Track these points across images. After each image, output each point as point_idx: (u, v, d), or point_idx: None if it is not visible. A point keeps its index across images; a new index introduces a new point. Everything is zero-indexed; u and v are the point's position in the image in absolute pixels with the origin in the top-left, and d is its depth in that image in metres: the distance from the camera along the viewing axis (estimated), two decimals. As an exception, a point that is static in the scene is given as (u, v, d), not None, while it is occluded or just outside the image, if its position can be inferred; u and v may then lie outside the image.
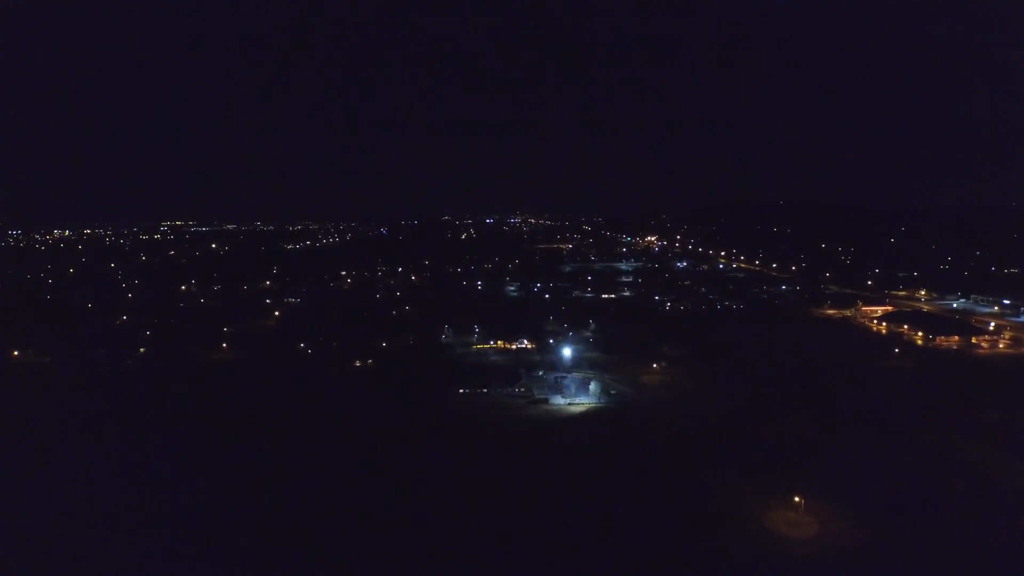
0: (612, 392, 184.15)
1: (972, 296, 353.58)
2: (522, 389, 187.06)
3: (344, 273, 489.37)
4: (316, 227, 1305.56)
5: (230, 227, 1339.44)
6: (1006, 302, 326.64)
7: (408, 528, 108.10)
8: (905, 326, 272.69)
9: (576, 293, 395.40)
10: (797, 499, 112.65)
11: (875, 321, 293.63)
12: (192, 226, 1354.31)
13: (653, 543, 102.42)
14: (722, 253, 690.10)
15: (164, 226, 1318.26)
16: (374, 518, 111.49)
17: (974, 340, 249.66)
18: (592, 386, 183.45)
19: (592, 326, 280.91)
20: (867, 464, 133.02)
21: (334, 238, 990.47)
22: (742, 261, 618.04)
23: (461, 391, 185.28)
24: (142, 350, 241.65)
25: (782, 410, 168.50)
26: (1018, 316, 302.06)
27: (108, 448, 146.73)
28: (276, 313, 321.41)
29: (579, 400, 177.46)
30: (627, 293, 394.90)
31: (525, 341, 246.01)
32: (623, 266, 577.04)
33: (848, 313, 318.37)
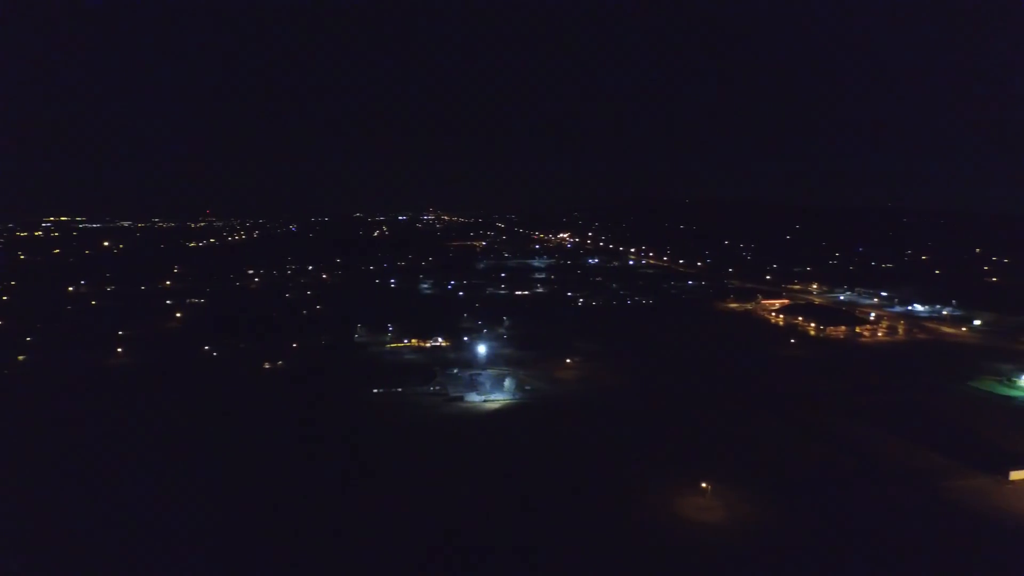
0: (527, 388, 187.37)
1: (856, 289, 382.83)
2: (437, 387, 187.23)
3: (251, 272, 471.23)
4: (220, 224, 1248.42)
5: (124, 224, 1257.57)
6: (884, 294, 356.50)
7: (323, 531, 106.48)
8: (800, 318, 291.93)
9: (490, 290, 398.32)
10: (705, 485, 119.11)
11: (773, 313, 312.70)
12: (80, 222, 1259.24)
13: (567, 532, 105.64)
14: (632, 250, 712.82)
15: (47, 222, 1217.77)
16: (285, 525, 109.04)
17: (858, 330, 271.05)
18: (507, 382, 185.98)
19: (506, 322, 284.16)
20: (768, 448, 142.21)
21: (240, 235, 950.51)
22: (651, 257, 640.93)
23: (375, 391, 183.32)
24: (21, 357, 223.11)
25: (690, 400, 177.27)
26: (893, 307, 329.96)
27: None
28: (178, 314, 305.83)
29: (494, 397, 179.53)
30: (541, 289, 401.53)
31: (440, 339, 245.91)
32: (536, 263, 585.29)
33: (749, 306, 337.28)
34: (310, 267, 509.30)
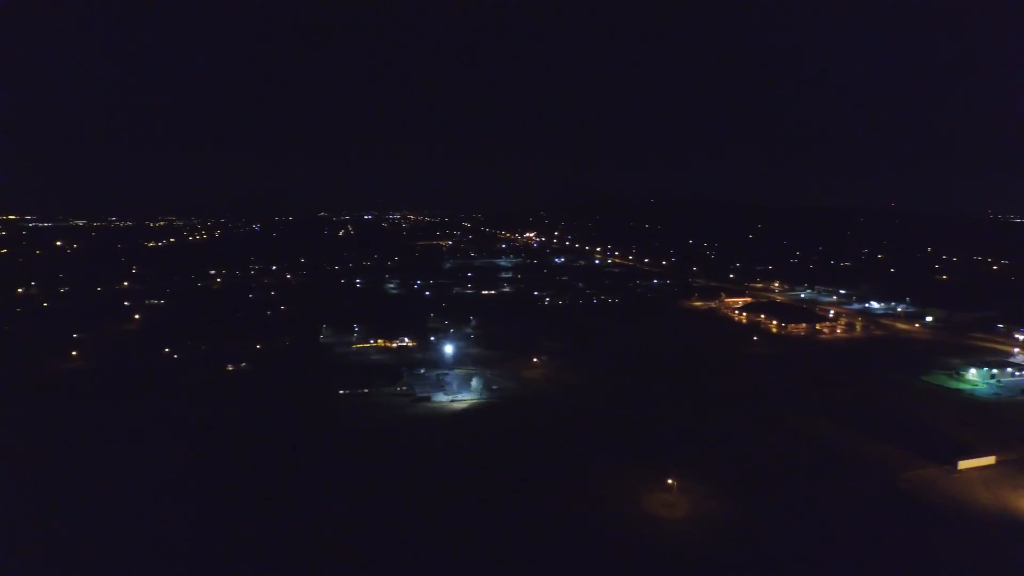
0: (494, 387, 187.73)
1: (816, 287, 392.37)
2: (404, 388, 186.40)
3: (213, 272, 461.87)
4: (181, 223, 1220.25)
5: (78, 223, 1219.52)
6: (842, 292, 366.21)
7: (287, 534, 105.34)
8: (762, 315, 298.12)
9: (457, 289, 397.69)
10: (671, 481, 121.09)
11: (737, 311, 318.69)
12: (30, 221, 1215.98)
13: (535, 530, 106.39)
14: (598, 249, 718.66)
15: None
16: (253, 528, 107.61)
17: (818, 327, 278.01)
18: (474, 382, 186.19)
19: (473, 322, 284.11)
20: (732, 444, 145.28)
21: (201, 235, 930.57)
22: (616, 256, 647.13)
23: (341, 392, 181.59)
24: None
25: (656, 397, 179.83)
26: (851, 304, 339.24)
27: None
28: (136, 316, 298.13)
29: (462, 396, 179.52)
30: (507, 289, 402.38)
31: (406, 339, 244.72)
32: (503, 262, 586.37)
33: (713, 304, 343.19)
34: (274, 267, 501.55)
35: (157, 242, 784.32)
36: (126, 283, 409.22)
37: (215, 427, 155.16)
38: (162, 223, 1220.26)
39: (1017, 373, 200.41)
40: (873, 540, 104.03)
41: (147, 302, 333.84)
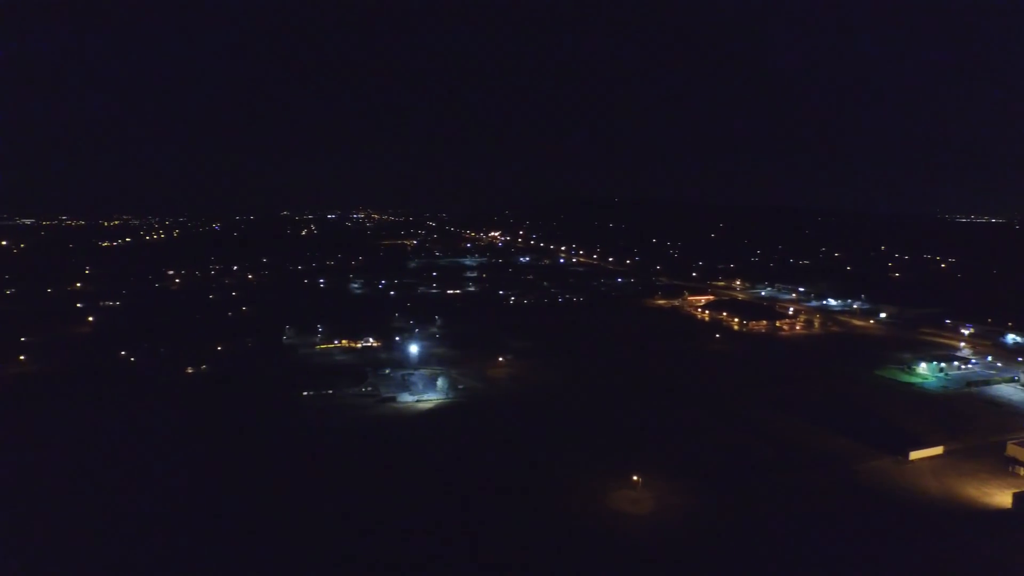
0: (460, 387, 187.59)
1: (776, 285, 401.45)
2: (369, 388, 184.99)
3: (171, 272, 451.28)
4: (137, 222, 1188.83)
5: (26, 221, 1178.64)
6: (801, 289, 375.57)
7: (251, 538, 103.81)
8: (724, 313, 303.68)
9: (422, 289, 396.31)
10: (635, 477, 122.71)
11: (699, 309, 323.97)
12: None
13: (501, 527, 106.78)
14: (562, 248, 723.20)
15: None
16: (215, 534, 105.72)
17: (778, 323, 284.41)
18: (439, 382, 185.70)
19: (438, 322, 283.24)
20: (695, 440, 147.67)
21: (159, 234, 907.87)
22: (581, 255, 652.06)
23: (305, 393, 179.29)
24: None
25: (621, 395, 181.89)
26: (810, 302, 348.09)
27: None
28: (90, 318, 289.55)
29: (427, 396, 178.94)
30: (472, 288, 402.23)
31: (371, 339, 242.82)
32: (468, 261, 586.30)
33: (676, 303, 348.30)
34: (235, 267, 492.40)
35: (112, 242, 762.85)
36: (79, 284, 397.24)
37: (174, 431, 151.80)
38: (117, 222, 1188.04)
39: (963, 366, 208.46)
40: (830, 530, 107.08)
41: (101, 304, 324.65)
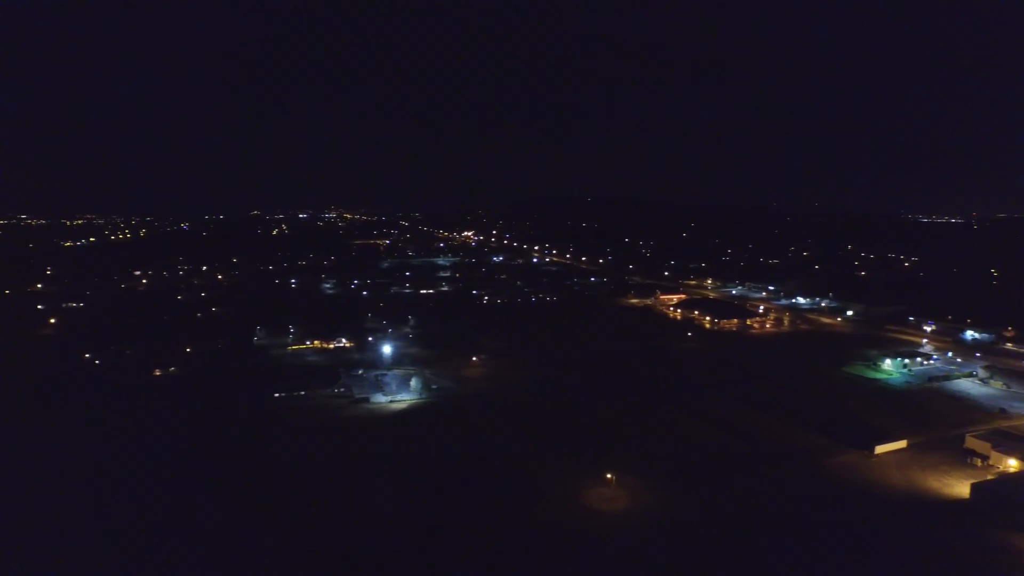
0: (434, 387, 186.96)
1: (746, 284, 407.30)
2: (342, 389, 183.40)
3: (138, 273, 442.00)
4: (101, 221, 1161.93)
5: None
6: (771, 288, 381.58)
7: (222, 543, 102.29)
8: (696, 311, 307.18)
9: (395, 289, 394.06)
10: (609, 476, 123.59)
11: (671, 308, 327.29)
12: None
13: (476, 526, 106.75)
14: (536, 247, 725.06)
15: None
16: (180, 540, 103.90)
17: (748, 322, 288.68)
18: (413, 382, 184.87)
19: (412, 322, 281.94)
20: (668, 437, 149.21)
21: (124, 234, 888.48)
22: (554, 255, 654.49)
23: (276, 395, 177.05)
24: None
25: (595, 393, 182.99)
26: (779, 300, 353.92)
27: None
28: (52, 320, 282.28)
29: (401, 397, 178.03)
30: (446, 288, 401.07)
31: (343, 339, 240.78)
32: (441, 261, 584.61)
33: (649, 301, 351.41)
34: (204, 267, 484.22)
35: (75, 241, 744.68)
36: (39, 285, 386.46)
37: (142, 435, 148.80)
38: (80, 221, 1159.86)
39: (925, 362, 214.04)
40: (800, 524, 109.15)
41: (64, 305, 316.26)
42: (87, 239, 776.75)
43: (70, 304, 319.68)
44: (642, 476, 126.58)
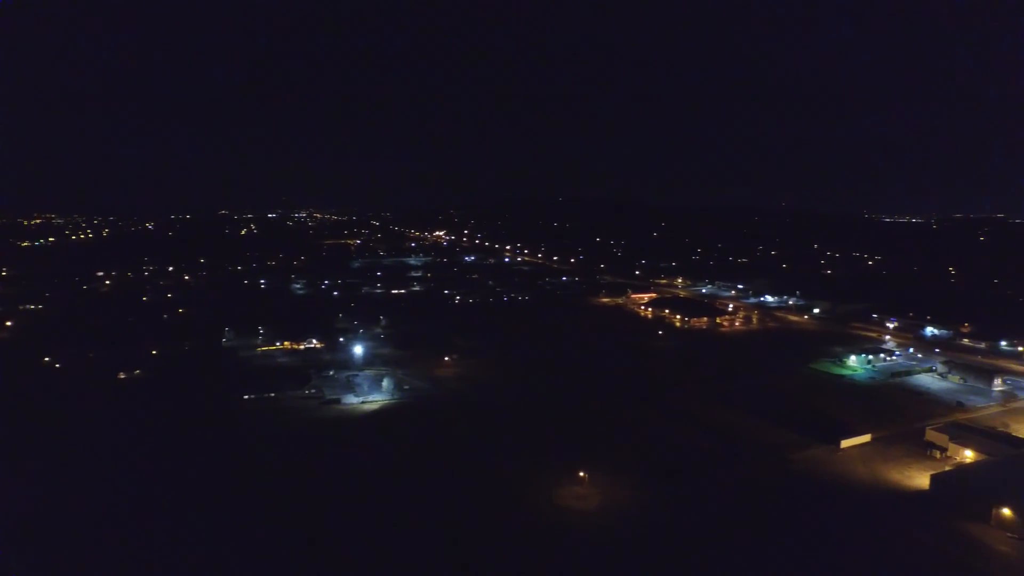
0: (406, 387, 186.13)
1: (716, 282, 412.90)
2: (312, 390, 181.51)
3: (101, 274, 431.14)
4: (61, 221, 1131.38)
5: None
6: (740, 287, 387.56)
7: (192, 548, 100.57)
8: (666, 310, 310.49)
9: (366, 289, 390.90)
10: (582, 474, 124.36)
11: (643, 307, 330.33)
12: None
13: (451, 527, 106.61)
14: (508, 247, 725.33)
15: None
16: (149, 545, 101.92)
17: (718, 320, 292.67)
18: (385, 382, 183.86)
19: (383, 322, 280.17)
20: (640, 434, 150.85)
21: (86, 234, 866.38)
22: (526, 254, 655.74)
23: (246, 397, 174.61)
24: None
25: (567, 392, 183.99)
26: (748, 298, 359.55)
27: None
28: (8, 323, 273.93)
29: (373, 398, 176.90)
30: (417, 288, 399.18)
31: (314, 340, 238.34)
32: (413, 261, 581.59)
33: (620, 300, 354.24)
34: (170, 268, 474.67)
35: (33, 242, 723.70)
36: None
37: (106, 440, 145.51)
38: (39, 220, 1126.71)
39: (888, 358, 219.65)
40: (769, 517, 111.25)
41: (22, 307, 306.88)
42: (46, 239, 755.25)
43: (28, 306, 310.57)
44: (615, 474, 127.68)
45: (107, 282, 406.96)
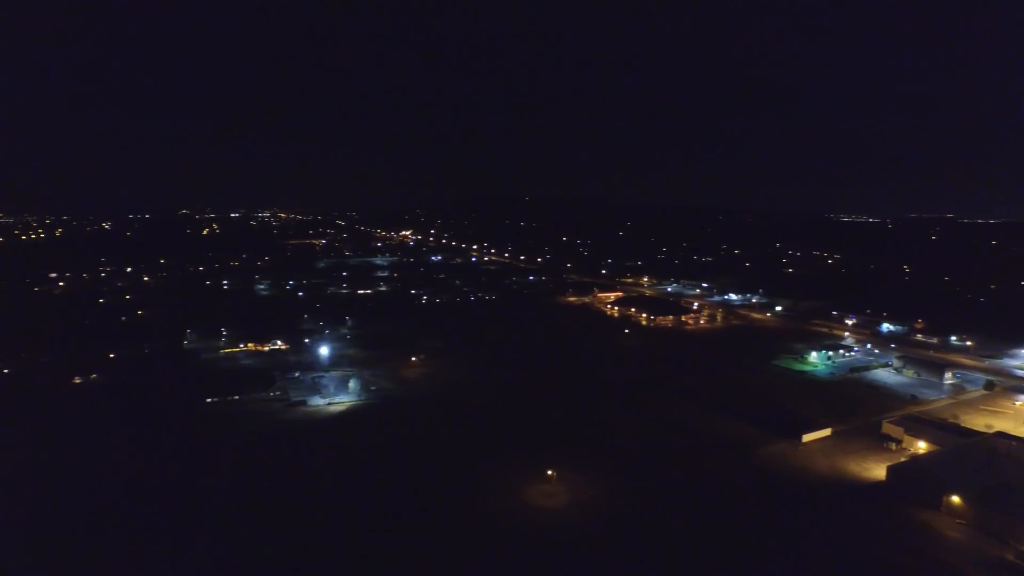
0: (372, 388, 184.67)
1: (681, 281, 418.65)
2: (278, 393, 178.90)
3: (55, 275, 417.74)
4: (10, 220, 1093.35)
5: None
6: (704, 285, 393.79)
7: (157, 555, 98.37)
8: (632, 309, 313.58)
9: (331, 289, 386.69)
10: (550, 472, 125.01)
11: (609, 305, 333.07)
12: None
13: (419, 526, 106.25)
14: (474, 247, 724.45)
15: None
16: (109, 553, 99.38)
17: (683, 318, 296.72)
18: (351, 384, 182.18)
19: (349, 322, 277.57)
20: (607, 432, 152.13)
21: (37, 233, 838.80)
22: (493, 254, 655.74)
23: (209, 400, 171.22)
24: None
25: (535, 391, 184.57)
26: (713, 297, 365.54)
27: None
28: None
29: (339, 399, 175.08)
30: (384, 288, 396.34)
31: (279, 342, 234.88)
32: (379, 261, 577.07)
33: (587, 299, 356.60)
34: (128, 268, 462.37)
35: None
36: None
37: (61, 446, 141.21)
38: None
39: (847, 354, 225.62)
40: (734, 512, 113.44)
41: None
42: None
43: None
44: (583, 471, 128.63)
45: (61, 284, 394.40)
